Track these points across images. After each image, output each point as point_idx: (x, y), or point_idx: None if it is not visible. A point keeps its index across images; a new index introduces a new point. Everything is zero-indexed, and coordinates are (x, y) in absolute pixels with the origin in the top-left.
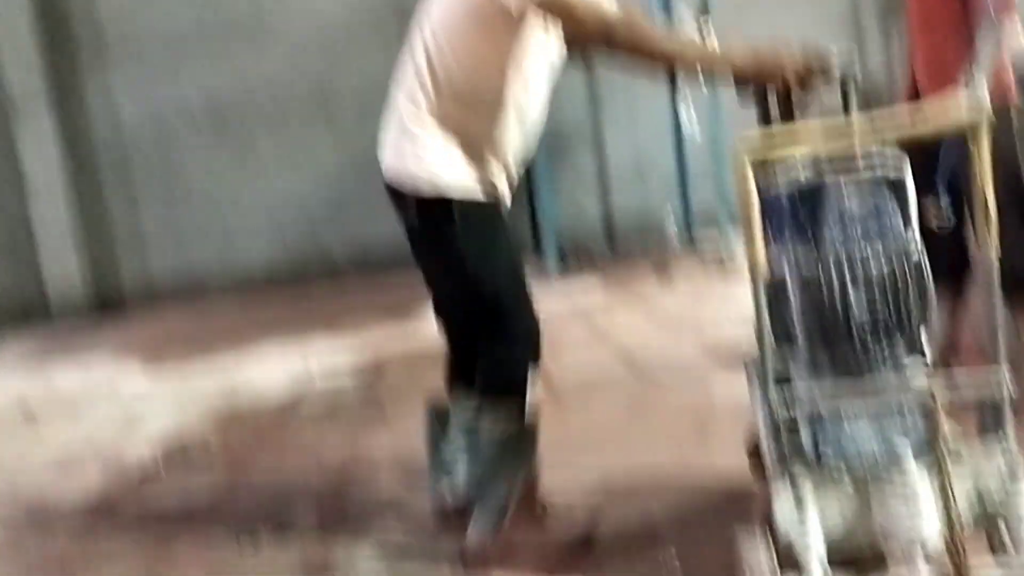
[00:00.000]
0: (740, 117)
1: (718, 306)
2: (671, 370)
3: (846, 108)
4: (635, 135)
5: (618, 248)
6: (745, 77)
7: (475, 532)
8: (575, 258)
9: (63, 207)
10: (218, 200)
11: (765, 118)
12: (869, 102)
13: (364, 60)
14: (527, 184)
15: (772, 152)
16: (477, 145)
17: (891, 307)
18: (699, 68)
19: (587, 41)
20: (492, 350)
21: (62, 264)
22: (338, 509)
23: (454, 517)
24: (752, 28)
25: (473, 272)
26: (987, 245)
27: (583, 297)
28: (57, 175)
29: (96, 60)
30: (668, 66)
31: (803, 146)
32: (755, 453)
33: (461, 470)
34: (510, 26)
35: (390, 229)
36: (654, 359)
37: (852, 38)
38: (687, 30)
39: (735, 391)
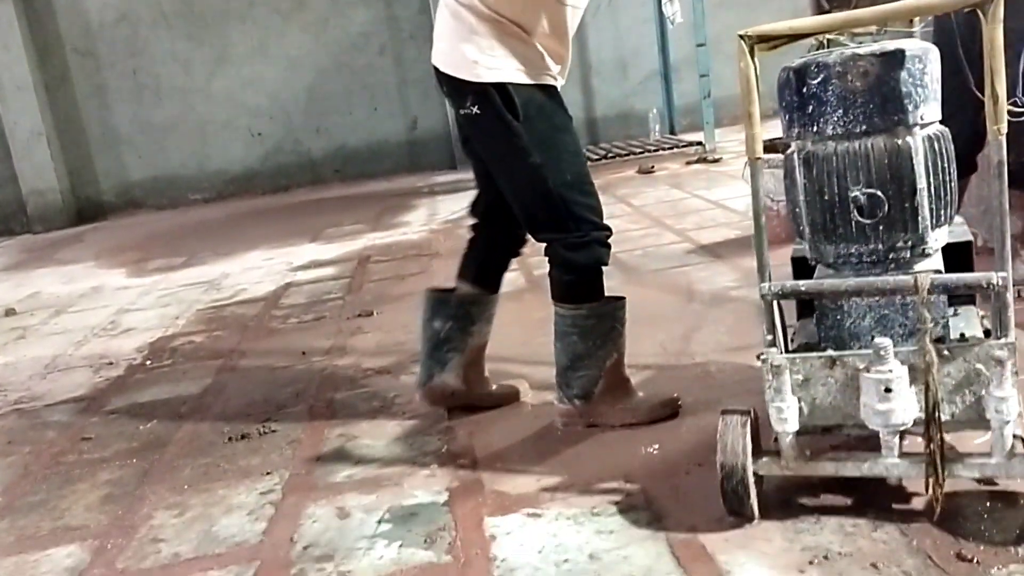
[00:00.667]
0: (723, 4)
1: (700, 201)
2: (654, 261)
3: None
4: (617, 27)
5: (601, 142)
6: None
7: (564, 404)
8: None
9: (35, 109)
10: (191, 96)
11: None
12: None
13: None
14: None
15: (774, 35)
16: (531, 29)
17: (894, 200)
18: None
19: None
20: (563, 253)
21: (38, 170)
22: (327, 406)
23: (444, 409)
24: None
25: (539, 162)
26: (996, 126)
27: None
28: (27, 79)
29: None
30: None
31: (808, 31)
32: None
33: (453, 363)
34: None
35: (369, 130)
36: (636, 252)
37: None
38: None
39: (716, 280)
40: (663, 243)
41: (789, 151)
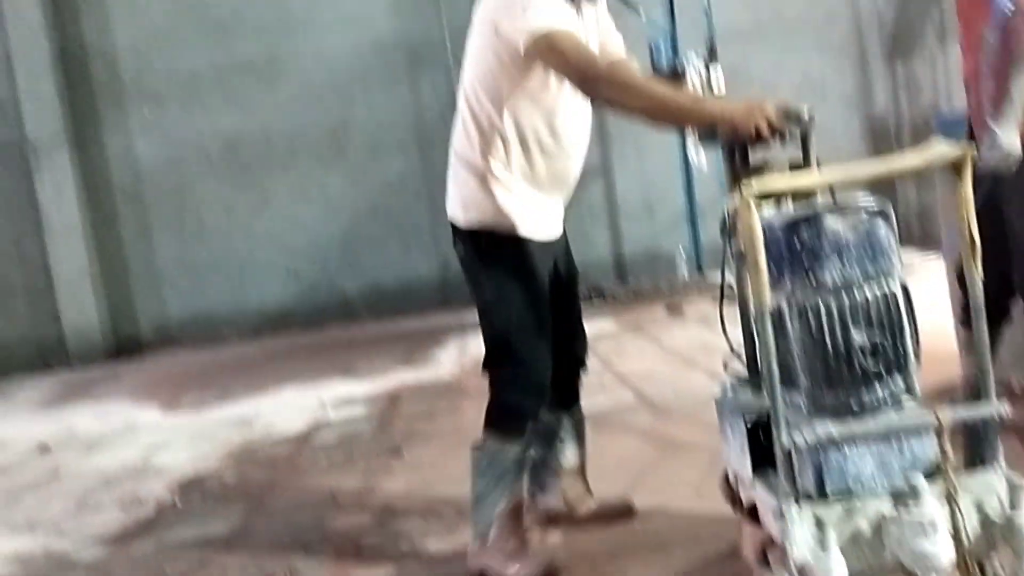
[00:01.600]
0: None
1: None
2: (682, 401)
3: (806, 159)
4: (644, 170)
5: (628, 282)
6: (719, 128)
7: (471, 547)
8: (586, 292)
9: (81, 250)
10: (233, 238)
11: (733, 166)
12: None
13: (375, 100)
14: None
15: (776, 191)
16: (508, 179)
17: (889, 342)
18: (679, 120)
19: (572, 84)
20: (494, 386)
21: (80, 307)
22: (354, 549)
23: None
24: (758, 68)
25: (487, 305)
26: (973, 277)
27: (594, 330)
28: (75, 217)
29: (114, 102)
30: (649, 117)
31: (805, 186)
32: (728, 485)
33: (552, 486)
34: (522, 65)
35: (403, 269)
36: (665, 391)
37: (857, 75)
38: (693, 75)
39: None
40: (694, 384)
41: (776, 304)
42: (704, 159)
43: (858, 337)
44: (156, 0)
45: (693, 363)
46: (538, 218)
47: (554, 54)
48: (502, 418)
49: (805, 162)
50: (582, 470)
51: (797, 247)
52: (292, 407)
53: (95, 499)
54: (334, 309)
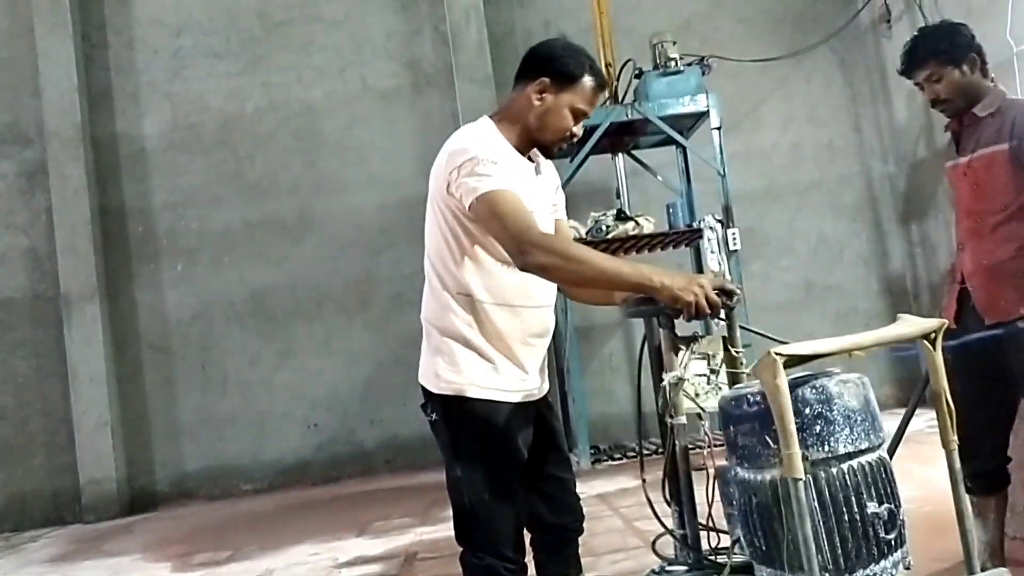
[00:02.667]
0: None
1: None
2: None
3: (731, 334)
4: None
5: (650, 436)
6: (657, 297)
7: None
8: (608, 450)
9: (105, 402)
10: (254, 389)
11: (672, 336)
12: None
13: (399, 256)
14: (558, 378)
15: (802, 356)
16: (477, 340)
17: (896, 513)
18: (617, 286)
19: (505, 251)
20: (465, 566)
21: (98, 460)
22: None
23: None
24: (774, 229)
25: (458, 475)
26: (949, 445)
27: (614, 486)
28: (101, 369)
29: (147, 257)
30: (586, 284)
31: (828, 352)
32: None
33: None
34: (472, 228)
35: (422, 422)
36: None
37: (872, 236)
38: (709, 235)
39: None
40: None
41: (778, 478)
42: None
43: (872, 507)
44: (195, 162)
45: (717, 519)
46: (511, 379)
47: (493, 218)
48: None
49: (730, 337)
50: None
51: (808, 414)
52: (305, 566)
53: None
54: (352, 462)
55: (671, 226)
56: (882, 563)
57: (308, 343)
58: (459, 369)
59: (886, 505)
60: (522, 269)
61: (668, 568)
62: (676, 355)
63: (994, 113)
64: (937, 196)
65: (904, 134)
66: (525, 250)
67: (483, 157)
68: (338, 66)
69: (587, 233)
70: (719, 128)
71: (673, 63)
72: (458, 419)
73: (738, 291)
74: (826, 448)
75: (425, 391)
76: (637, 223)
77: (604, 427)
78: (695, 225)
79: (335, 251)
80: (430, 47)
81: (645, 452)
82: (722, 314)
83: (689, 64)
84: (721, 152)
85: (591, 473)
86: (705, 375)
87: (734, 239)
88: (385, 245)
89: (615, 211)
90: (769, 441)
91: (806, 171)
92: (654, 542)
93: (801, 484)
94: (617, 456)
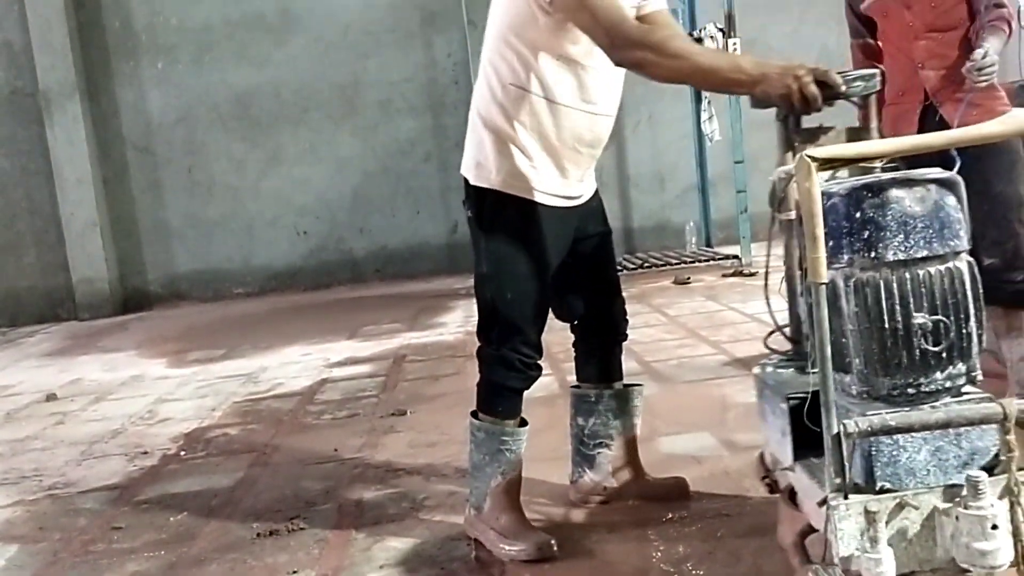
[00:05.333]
0: (761, 123)
1: (736, 314)
2: (686, 373)
3: (865, 125)
4: (656, 141)
5: (637, 253)
6: (756, 93)
7: (467, 514)
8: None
9: (92, 201)
10: (242, 194)
11: (785, 130)
12: None
13: (387, 59)
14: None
15: (840, 157)
16: (527, 140)
17: (953, 325)
18: (714, 87)
19: (600, 46)
20: (482, 363)
21: (89, 259)
22: (356, 506)
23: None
24: (776, 40)
25: (482, 274)
26: None
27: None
28: (86, 169)
29: (126, 54)
30: (682, 82)
31: (872, 153)
32: (763, 466)
33: (601, 459)
34: (552, 18)
35: (411, 231)
36: (670, 362)
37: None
38: (711, 45)
39: (751, 393)
40: (698, 354)
41: (830, 280)
42: (717, 131)
43: (920, 318)
44: None
45: (698, 335)
46: (556, 183)
47: (582, 10)
48: (491, 398)
49: (862, 130)
50: (631, 447)
51: (858, 219)
52: (298, 365)
53: (100, 448)
54: (342, 269)
55: None
56: (931, 375)
57: (294, 149)
58: (498, 163)
59: (935, 316)
60: (617, 64)
61: (776, 360)
62: (791, 150)
63: None
64: None
65: None
66: (619, 44)
67: None
68: None
69: None
70: None
71: None
72: (490, 214)
73: (847, 85)
74: (872, 255)
75: (465, 184)
76: None
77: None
78: (696, 34)
79: (320, 53)
80: None
81: (632, 267)
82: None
83: None
84: None
85: None
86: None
87: (735, 49)
88: (372, 48)
89: None
90: (829, 241)
91: None
92: (766, 337)
93: (823, 289)
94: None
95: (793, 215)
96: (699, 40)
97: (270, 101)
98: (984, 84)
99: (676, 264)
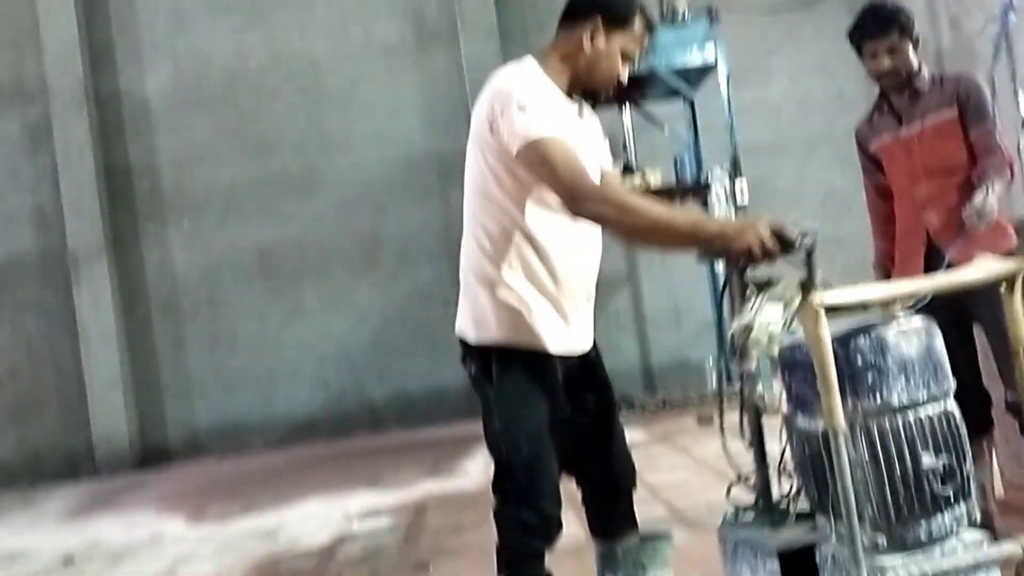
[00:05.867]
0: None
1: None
2: (716, 516)
3: (810, 277)
4: (671, 278)
5: (657, 391)
6: (711, 247)
7: None
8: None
9: (115, 358)
10: (264, 346)
11: (734, 280)
12: None
13: (406, 212)
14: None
15: (844, 303)
16: (522, 288)
17: (956, 467)
18: (671, 241)
19: (559, 199)
20: (501, 527)
21: (110, 416)
22: None
23: None
24: (782, 181)
25: (496, 433)
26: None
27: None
28: (111, 326)
29: (154, 214)
30: (639, 238)
31: (872, 299)
32: None
33: None
34: (516, 171)
35: (430, 377)
36: (698, 505)
37: None
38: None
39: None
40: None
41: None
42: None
43: (928, 460)
44: (200, 118)
45: (725, 475)
46: (559, 329)
47: (544, 166)
48: (512, 563)
49: (809, 280)
50: None
51: (860, 364)
52: (317, 519)
53: None
54: (362, 417)
55: (678, 179)
56: (940, 518)
57: (316, 300)
58: (497, 318)
59: (943, 458)
60: (576, 218)
61: (740, 513)
62: (750, 299)
63: (932, 84)
64: None
65: None
66: (579, 199)
67: (528, 100)
68: (341, 21)
69: None
70: (727, 80)
71: (681, 14)
72: (497, 370)
73: (799, 237)
74: (878, 399)
75: (463, 344)
76: (644, 176)
77: (613, 381)
78: (702, 178)
79: (341, 208)
80: (434, 1)
81: (653, 407)
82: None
83: (696, 15)
84: (729, 104)
85: None
86: (781, 321)
87: (742, 192)
88: (391, 202)
89: (622, 164)
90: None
91: (815, 122)
92: (728, 488)
93: (841, 436)
94: (626, 408)
95: (751, 367)
96: (706, 185)
97: (293, 254)
98: (983, 229)
99: (697, 402)
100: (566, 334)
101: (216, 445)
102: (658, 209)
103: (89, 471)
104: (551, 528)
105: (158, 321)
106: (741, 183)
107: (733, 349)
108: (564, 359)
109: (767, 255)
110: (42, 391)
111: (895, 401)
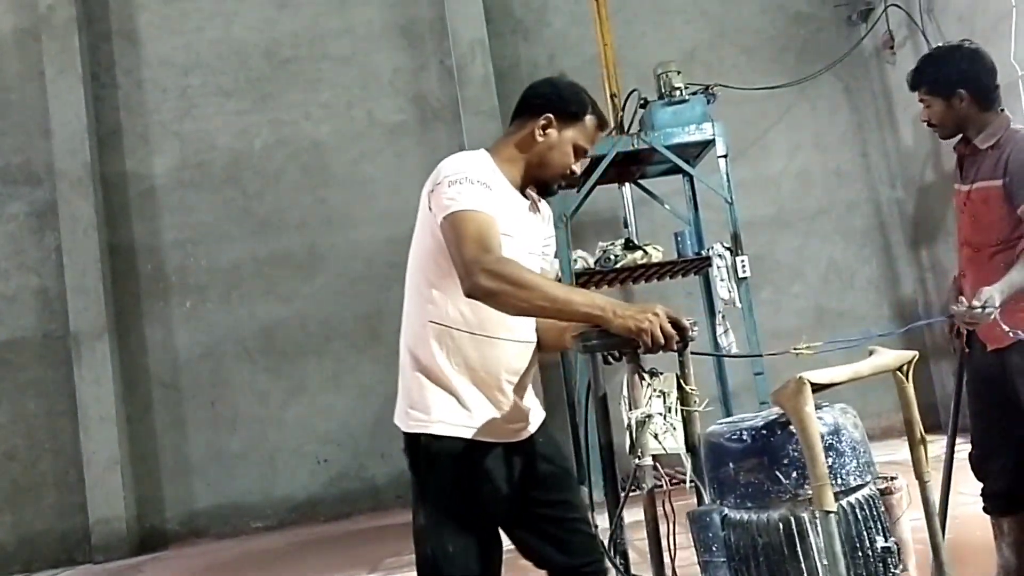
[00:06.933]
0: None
1: None
2: None
3: (683, 370)
4: (672, 354)
5: (665, 469)
6: (614, 327)
7: None
8: (623, 481)
9: (114, 440)
10: (264, 425)
11: (639, 371)
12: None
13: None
14: (569, 410)
15: (829, 383)
16: (449, 372)
17: (897, 547)
18: (568, 317)
19: (457, 273)
20: None
21: (108, 499)
22: None
23: None
24: (784, 255)
25: (422, 523)
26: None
27: (631, 520)
28: (111, 408)
29: (156, 295)
30: (539, 312)
31: (844, 380)
32: None
33: None
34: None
35: None
36: None
37: (882, 261)
38: (718, 263)
39: None
40: None
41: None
42: (734, 344)
43: (881, 540)
44: (204, 199)
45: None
46: (484, 417)
47: (451, 234)
48: None
49: (683, 374)
50: None
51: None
52: None
53: None
54: (363, 497)
55: (679, 255)
56: None
57: (318, 378)
58: (427, 405)
59: (892, 539)
60: (468, 295)
61: None
62: (642, 390)
63: (994, 145)
64: (946, 220)
65: (911, 158)
66: (473, 273)
67: (462, 177)
68: (345, 102)
69: (595, 263)
70: (725, 156)
71: (678, 92)
72: (425, 459)
73: (692, 328)
74: (839, 481)
75: (403, 434)
76: (645, 252)
77: (620, 458)
78: (704, 253)
79: (344, 286)
80: (436, 82)
81: (658, 485)
82: (677, 348)
83: (694, 93)
84: (728, 180)
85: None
86: (662, 413)
87: (743, 266)
88: (394, 279)
89: (623, 240)
90: (780, 477)
91: (814, 197)
92: None
93: (833, 518)
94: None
95: (648, 461)
96: (707, 259)
97: (295, 333)
98: (984, 321)
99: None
100: (500, 423)
101: (215, 528)
102: (554, 287)
103: (85, 556)
104: None
105: (158, 401)
106: (743, 258)
107: (631, 443)
108: (507, 446)
109: (666, 340)
110: (40, 474)
111: (852, 482)
